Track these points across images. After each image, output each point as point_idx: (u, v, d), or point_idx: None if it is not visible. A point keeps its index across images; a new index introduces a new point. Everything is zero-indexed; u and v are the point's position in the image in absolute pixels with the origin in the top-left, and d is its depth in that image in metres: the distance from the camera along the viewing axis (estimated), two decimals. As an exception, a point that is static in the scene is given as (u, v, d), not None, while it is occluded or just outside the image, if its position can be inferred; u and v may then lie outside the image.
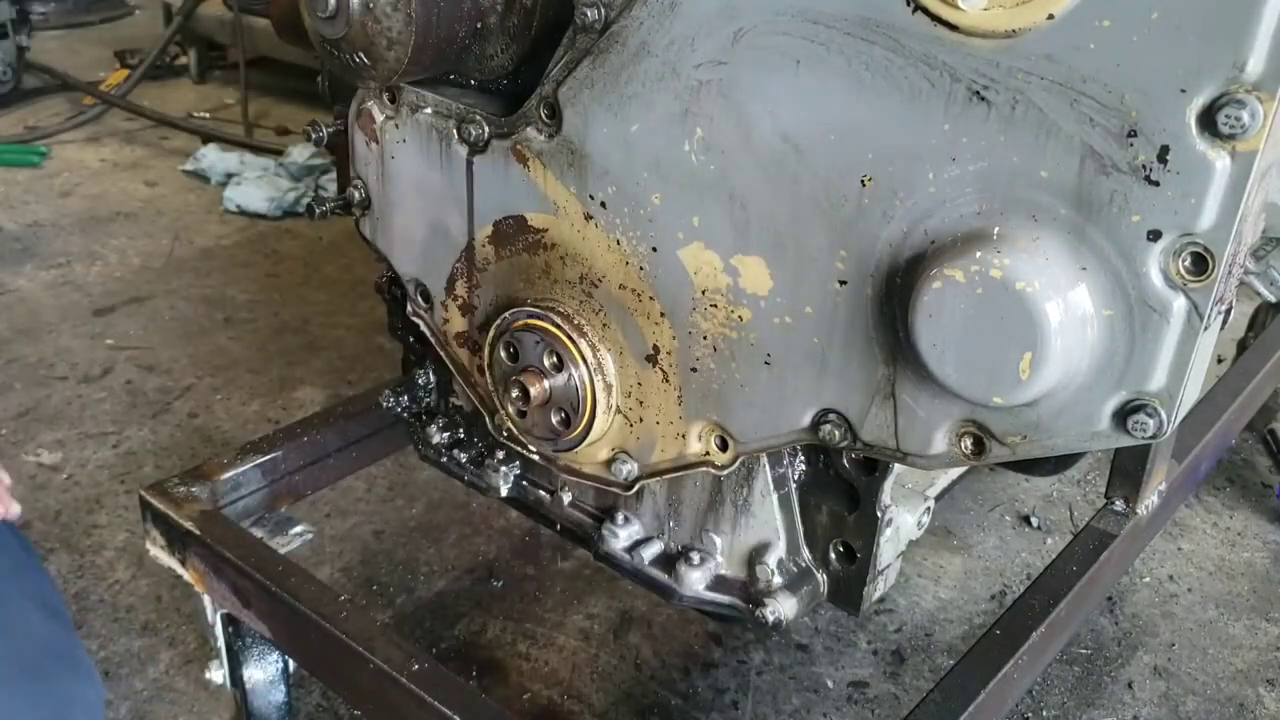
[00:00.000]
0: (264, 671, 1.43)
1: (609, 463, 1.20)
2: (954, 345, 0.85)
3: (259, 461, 1.47)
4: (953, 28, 0.81)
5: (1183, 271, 0.78)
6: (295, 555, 1.39)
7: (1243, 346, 2.33)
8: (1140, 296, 0.80)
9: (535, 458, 1.28)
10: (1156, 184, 0.76)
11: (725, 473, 1.12)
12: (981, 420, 0.91)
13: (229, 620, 1.40)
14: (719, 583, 1.23)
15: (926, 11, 0.81)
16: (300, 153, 3.69)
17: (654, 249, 1.05)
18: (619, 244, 1.07)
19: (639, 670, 1.80)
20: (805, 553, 1.18)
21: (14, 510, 1.23)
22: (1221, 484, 2.34)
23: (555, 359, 1.15)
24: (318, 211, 1.34)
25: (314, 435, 1.53)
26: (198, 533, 1.35)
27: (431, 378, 1.44)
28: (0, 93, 4.24)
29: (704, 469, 1.13)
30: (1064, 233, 0.81)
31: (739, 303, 1.01)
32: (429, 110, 1.17)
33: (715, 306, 1.03)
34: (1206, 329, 0.80)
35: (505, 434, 1.28)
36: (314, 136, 1.30)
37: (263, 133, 4.08)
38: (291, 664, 1.45)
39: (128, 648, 1.79)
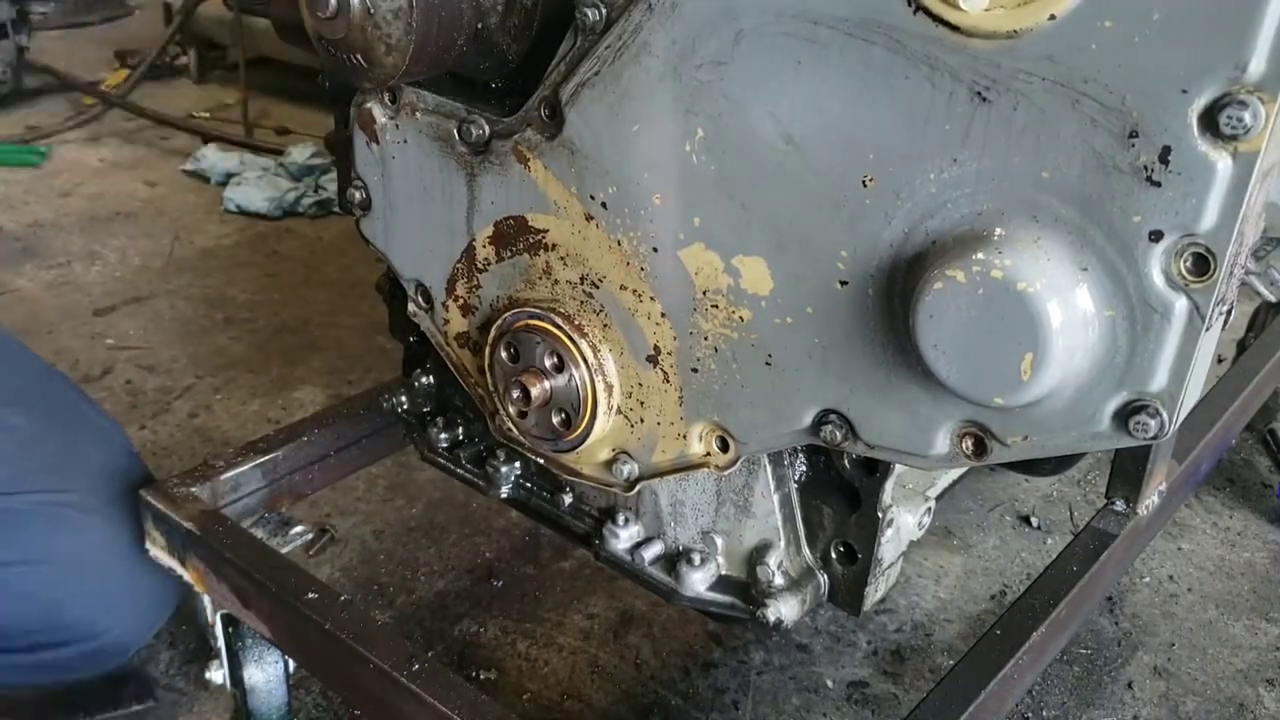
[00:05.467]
0: (264, 671, 1.43)
1: (609, 463, 1.20)
2: (955, 346, 0.85)
3: (259, 461, 1.47)
4: (954, 28, 0.81)
5: (1184, 272, 0.78)
6: (295, 555, 1.39)
7: (1243, 346, 2.33)
8: (1142, 297, 0.80)
9: (536, 459, 1.28)
10: (1158, 185, 0.76)
11: (726, 473, 1.12)
12: (983, 421, 0.91)
13: (229, 620, 1.39)
14: (720, 583, 1.23)
15: (928, 12, 0.81)
16: (300, 153, 3.69)
17: (655, 249, 1.05)
18: (620, 244, 1.07)
19: (639, 670, 1.80)
20: (806, 553, 1.18)
21: None
22: (1221, 484, 2.34)
23: (556, 360, 1.15)
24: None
25: (314, 435, 1.53)
26: (198, 533, 1.35)
27: (432, 378, 1.44)
28: (0, 93, 4.24)
29: (705, 469, 1.13)
30: (1065, 233, 0.81)
31: (740, 303, 1.01)
32: (429, 110, 1.17)
33: (716, 307, 1.03)
34: (1208, 329, 0.80)
35: (505, 435, 1.28)
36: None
37: (263, 133, 4.07)
38: (291, 664, 1.45)
39: (128, 648, 1.79)
